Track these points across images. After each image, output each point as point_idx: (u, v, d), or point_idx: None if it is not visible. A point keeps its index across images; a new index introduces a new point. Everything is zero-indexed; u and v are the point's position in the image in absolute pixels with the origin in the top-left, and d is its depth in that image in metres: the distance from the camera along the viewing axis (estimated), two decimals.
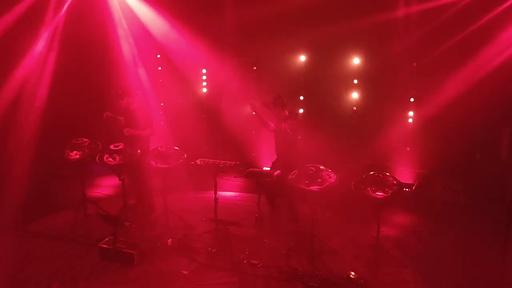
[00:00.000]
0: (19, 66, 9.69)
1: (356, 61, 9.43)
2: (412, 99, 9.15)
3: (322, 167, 6.55)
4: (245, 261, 6.45)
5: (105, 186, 9.20)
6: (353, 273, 6.03)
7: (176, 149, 7.51)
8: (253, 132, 10.11)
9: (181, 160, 7.39)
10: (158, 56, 10.88)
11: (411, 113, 9.23)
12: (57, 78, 10.06)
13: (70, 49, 9.97)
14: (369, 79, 9.34)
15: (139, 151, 7.50)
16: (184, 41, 10.06)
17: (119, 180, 7.34)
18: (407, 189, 8.56)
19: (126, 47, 10.38)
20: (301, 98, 10.04)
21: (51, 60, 10.08)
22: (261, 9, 9.16)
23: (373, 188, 6.28)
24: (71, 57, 9.93)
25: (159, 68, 10.94)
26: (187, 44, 10.05)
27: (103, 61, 10.10)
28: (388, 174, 6.44)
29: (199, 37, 9.89)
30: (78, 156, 7.69)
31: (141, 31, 10.27)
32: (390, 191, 6.24)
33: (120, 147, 7.45)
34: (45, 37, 9.91)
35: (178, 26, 10.03)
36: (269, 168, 7.81)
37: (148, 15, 10.19)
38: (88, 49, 9.94)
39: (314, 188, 6.36)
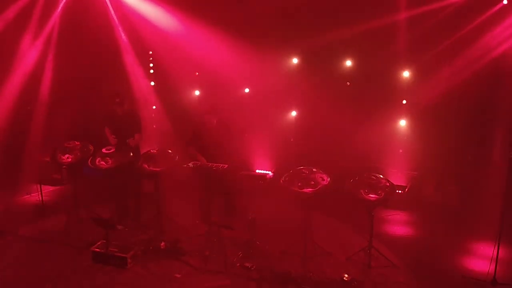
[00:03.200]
0: (15, 69, 9.67)
1: (348, 63, 9.45)
2: (404, 101, 9.16)
3: (315, 169, 6.57)
4: (238, 264, 6.44)
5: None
6: (346, 275, 6.04)
7: (168, 151, 7.48)
8: (246, 135, 10.11)
9: (174, 163, 7.37)
10: (150, 52, 10.80)
11: (403, 115, 9.25)
12: (55, 80, 10.04)
13: (67, 51, 9.93)
14: (362, 81, 9.34)
15: (131, 154, 7.48)
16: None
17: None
18: (400, 191, 8.57)
19: (124, 47, 10.32)
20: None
21: (48, 64, 10.04)
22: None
23: (366, 190, 6.33)
24: (68, 60, 9.90)
25: (151, 71, 10.88)
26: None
27: (102, 63, 10.06)
28: (381, 176, 6.48)
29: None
30: (70, 160, 7.64)
31: (135, 30, 10.17)
32: (383, 193, 6.29)
33: (112, 150, 7.44)
34: (41, 40, 9.88)
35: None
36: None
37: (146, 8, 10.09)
38: (85, 50, 9.89)
39: (307, 190, 6.37)
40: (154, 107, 10.89)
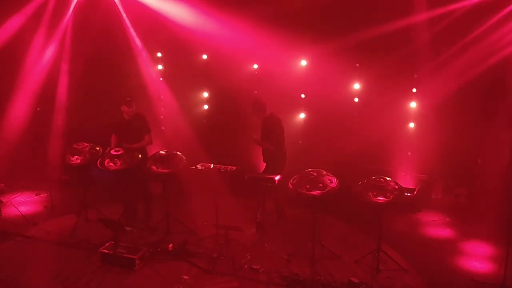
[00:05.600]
0: (30, 72, 9.75)
1: (357, 65, 9.43)
2: (413, 104, 9.13)
3: (323, 172, 6.55)
4: (246, 266, 6.44)
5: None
6: (354, 278, 6.01)
7: (177, 153, 7.50)
8: (254, 137, 10.11)
9: (182, 165, 7.38)
10: (159, 55, 10.82)
11: (412, 118, 9.21)
12: (70, 82, 10.12)
13: (81, 52, 9.99)
14: (370, 85, 9.31)
15: (140, 155, 7.50)
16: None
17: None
18: (408, 194, 8.52)
19: (136, 46, 10.33)
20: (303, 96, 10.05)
21: (64, 67, 10.11)
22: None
23: (375, 193, 6.30)
24: (82, 61, 9.95)
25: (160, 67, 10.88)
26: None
27: (114, 63, 10.09)
28: (389, 179, 6.45)
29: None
30: (79, 161, 7.67)
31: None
32: (391, 196, 6.26)
33: (121, 152, 7.46)
34: (55, 43, 9.95)
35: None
36: None
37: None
38: (99, 50, 9.93)
39: (315, 193, 6.36)
40: (162, 109, 10.89)
